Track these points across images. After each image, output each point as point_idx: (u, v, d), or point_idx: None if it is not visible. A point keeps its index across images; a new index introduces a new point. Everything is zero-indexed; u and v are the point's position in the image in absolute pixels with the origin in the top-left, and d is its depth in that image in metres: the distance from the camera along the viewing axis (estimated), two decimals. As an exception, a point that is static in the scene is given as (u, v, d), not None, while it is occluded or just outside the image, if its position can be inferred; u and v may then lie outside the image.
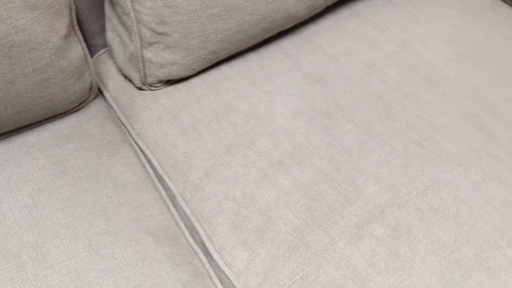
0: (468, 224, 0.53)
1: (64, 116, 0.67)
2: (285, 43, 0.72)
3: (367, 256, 0.51)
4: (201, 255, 0.57)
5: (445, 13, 0.76)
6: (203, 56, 0.65)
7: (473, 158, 0.58)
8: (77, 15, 0.66)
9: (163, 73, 0.66)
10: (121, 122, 0.68)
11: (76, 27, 0.63)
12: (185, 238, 0.58)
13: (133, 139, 0.67)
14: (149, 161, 0.64)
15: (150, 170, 0.64)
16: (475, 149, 0.59)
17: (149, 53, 0.64)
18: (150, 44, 0.64)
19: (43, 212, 0.55)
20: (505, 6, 0.79)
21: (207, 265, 0.56)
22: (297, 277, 0.51)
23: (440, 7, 0.77)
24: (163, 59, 0.64)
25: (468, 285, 0.49)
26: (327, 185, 0.56)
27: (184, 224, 0.60)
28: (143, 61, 0.65)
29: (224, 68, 0.69)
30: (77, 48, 0.63)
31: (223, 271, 0.54)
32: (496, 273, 0.50)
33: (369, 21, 0.74)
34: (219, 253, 0.55)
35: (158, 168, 0.63)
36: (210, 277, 0.55)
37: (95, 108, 0.69)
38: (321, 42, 0.71)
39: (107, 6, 0.68)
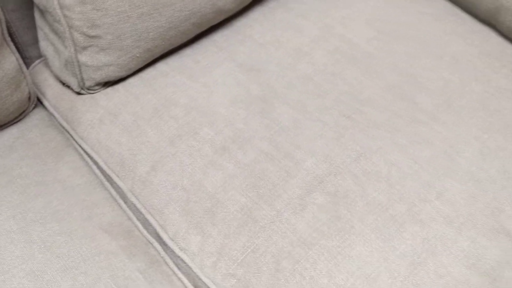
0: (399, 183, 0.57)
1: (5, 128, 0.67)
2: (218, 37, 0.75)
3: (311, 222, 0.55)
4: (156, 244, 0.59)
5: (364, -3, 0.81)
6: (137, 55, 0.67)
7: (399, 124, 0.63)
8: (8, 27, 0.67)
9: (100, 75, 0.67)
10: (63, 128, 0.69)
11: (8, 39, 0.63)
12: (139, 231, 0.60)
13: (77, 143, 0.68)
14: (95, 162, 0.66)
15: (97, 171, 0.65)
16: (400, 116, 0.64)
17: (84, 57, 0.66)
18: (84, 48, 0.65)
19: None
20: (417, -14, 0.85)
21: (163, 253, 0.58)
22: (249, 250, 0.54)
23: (358, -9, 0.82)
24: (98, 62, 0.66)
25: (404, 237, 0.54)
26: (269, 164, 0.60)
27: (137, 218, 0.61)
28: (79, 66, 0.66)
29: (161, 65, 0.71)
30: (11, 59, 0.63)
31: (178, 256, 0.57)
32: (428, 224, 0.55)
33: (293, 10, 0.78)
34: (173, 240, 0.58)
35: (104, 167, 0.64)
36: (166, 263, 0.57)
37: (35, 117, 0.70)
38: (251, 33, 0.75)
39: (37, 16, 0.69)
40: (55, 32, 0.66)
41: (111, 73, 0.68)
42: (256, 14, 0.78)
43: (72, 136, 0.68)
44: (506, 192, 0.57)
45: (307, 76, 0.68)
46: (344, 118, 0.63)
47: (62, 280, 0.52)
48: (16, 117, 0.68)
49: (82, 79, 0.68)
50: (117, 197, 0.63)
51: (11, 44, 0.64)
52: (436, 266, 0.52)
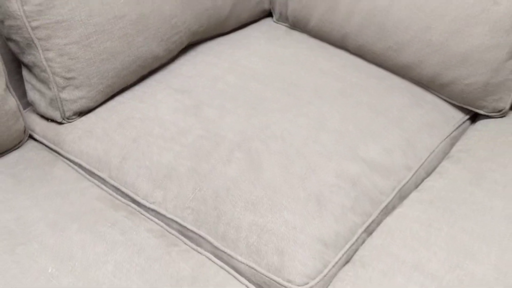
0: (289, 139, 0.87)
1: (8, 153, 0.92)
2: (158, 76, 1.05)
3: (236, 171, 0.82)
4: (133, 205, 0.84)
5: (257, 42, 1.16)
6: (101, 89, 0.95)
7: (287, 108, 0.94)
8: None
9: (76, 106, 0.95)
10: (52, 149, 0.94)
11: (9, 85, 0.90)
12: (119, 200, 0.85)
13: (64, 157, 0.93)
14: (79, 165, 0.91)
15: (81, 171, 0.90)
16: (288, 104, 0.95)
17: (64, 94, 0.93)
18: (64, 87, 0.93)
19: (16, 203, 0.79)
20: (294, 32, 1.21)
21: (138, 209, 0.83)
22: (196, 190, 0.81)
23: (253, 39, 1.17)
24: (74, 96, 0.94)
25: (296, 165, 0.82)
26: (203, 140, 0.88)
27: (115, 193, 0.86)
28: (61, 101, 0.94)
29: (118, 98, 0.99)
30: (12, 100, 0.90)
31: (149, 208, 0.82)
32: (309, 157, 0.84)
33: (209, 55, 1.11)
34: (144, 199, 0.83)
35: (87, 166, 0.90)
36: (142, 214, 0.82)
37: (30, 145, 0.95)
38: (180, 71, 1.06)
39: (25, 73, 0.96)
40: (41, 80, 0.93)
41: (84, 104, 0.95)
42: (182, 60, 1.10)
43: (59, 153, 0.93)
44: (357, 137, 0.88)
45: (223, 90, 0.99)
46: (250, 109, 0.94)
47: (72, 225, 0.75)
48: (16, 145, 0.92)
49: (64, 111, 0.95)
50: (99, 183, 0.88)
51: (11, 89, 0.90)
52: (319, 178, 0.81)
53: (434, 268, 0.69)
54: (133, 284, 0.68)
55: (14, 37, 0.90)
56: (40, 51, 0.90)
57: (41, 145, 0.96)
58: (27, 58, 0.92)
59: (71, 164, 0.91)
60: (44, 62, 0.91)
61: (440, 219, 0.76)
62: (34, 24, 0.87)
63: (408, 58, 1.01)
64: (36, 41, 0.88)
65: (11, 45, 0.93)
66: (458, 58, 0.95)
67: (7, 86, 0.89)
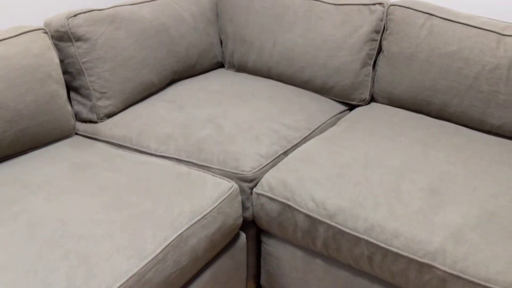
0: (242, 120, 1.48)
1: (65, 139, 1.48)
2: (154, 96, 1.66)
3: (208, 131, 1.42)
4: (148, 155, 1.41)
5: (216, 77, 1.80)
6: (122, 100, 1.56)
7: (241, 103, 1.56)
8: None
9: (106, 111, 1.54)
10: (91, 138, 1.52)
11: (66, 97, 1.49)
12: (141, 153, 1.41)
13: (100, 140, 1.50)
14: (111, 143, 1.48)
15: (111, 146, 1.47)
16: (240, 101, 1.57)
17: (99, 103, 1.53)
18: (99, 99, 1.53)
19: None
20: (238, 73, 1.87)
21: (152, 156, 1.40)
22: (186, 142, 1.39)
23: (213, 77, 1.82)
24: (105, 104, 1.53)
25: (237, 128, 1.43)
26: (186, 121, 1.47)
27: (138, 153, 1.43)
28: (97, 108, 1.53)
29: (132, 107, 1.59)
30: (69, 105, 1.48)
31: (158, 155, 1.39)
32: (252, 125, 1.45)
33: (185, 83, 1.74)
34: (154, 151, 1.40)
35: (116, 142, 1.47)
36: (154, 157, 1.39)
37: (77, 138, 1.51)
38: (169, 92, 1.68)
39: (72, 94, 1.56)
40: (85, 96, 1.53)
41: (111, 109, 1.54)
42: (169, 88, 1.72)
43: (96, 139, 1.51)
44: (280, 115, 1.51)
45: (196, 99, 1.61)
46: (213, 106, 1.55)
47: (112, 164, 1.31)
48: (69, 135, 1.49)
49: (98, 114, 1.53)
50: (123, 150, 1.44)
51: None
52: (257, 129, 1.41)
53: (318, 162, 1.28)
54: (154, 180, 1.22)
55: (69, 69, 1.51)
56: (86, 77, 1.51)
57: (82, 137, 1.52)
58: (76, 82, 1.52)
59: (104, 143, 1.48)
60: (88, 83, 1.51)
61: (325, 144, 1.37)
62: (83, 60, 1.49)
63: (307, 76, 1.68)
64: (84, 70, 1.50)
65: (66, 76, 1.53)
66: (334, 71, 1.63)
67: (67, 99, 1.48)
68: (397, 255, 1.07)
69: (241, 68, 1.86)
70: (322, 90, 1.69)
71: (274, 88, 1.70)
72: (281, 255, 1.31)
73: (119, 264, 0.97)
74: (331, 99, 1.70)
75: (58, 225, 1.04)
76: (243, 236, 1.32)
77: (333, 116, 1.60)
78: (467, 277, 1.00)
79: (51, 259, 0.95)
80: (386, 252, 1.09)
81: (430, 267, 1.04)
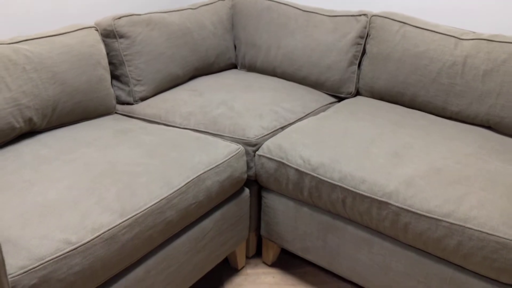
0: (253, 102, 1.85)
1: (107, 115, 1.85)
2: (179, 86, 2.04)
3: (221, 110, 1.78)
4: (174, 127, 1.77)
5: (231, 75, 2.18)
6: (153, 87, 1.93)
7: (247, 90, 1.92)
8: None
9: (141, 95, 1.91)
10: (128, 116, 1.88)
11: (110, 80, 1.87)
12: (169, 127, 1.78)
13: (135, 118, 1.87)
14: (143, 119, 1.84)
15: (144, 121, 1.84)
16: (247, 89, 1.94)
17: (135, 88, 1.90)
18: (135, 85, 1.90)
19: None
20: (249, 73, 2.25)
21: (177, 127, 1.76)
22: (205, 117, 1.75)
23: (228, 74, 2.19)
24: (140, 89, 1.91)
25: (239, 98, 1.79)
26: (205, 102, 1.84)
27: (166, 126, 1.79)
28: (133, 92, 1.90)
29: (162, 93, 1.96)
30: (112, 89, 1.86)
31: (182, 127, 1.75)
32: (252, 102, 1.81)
33: (206, 78, 2.11)
34: (179, 124, 1.76)
35: (148, 118, 1.83)
36: (179, 129, 1.75)
37: (117, 116, 1.88)
38: (191, 84, 2.05)
39: (114, 81, 1.94)
40: (124, 82, 1.90)
41: (145, 94, 1.91)
42: (192, 81, 2.10)
43: (132, 117, 1.87)
44: (280, 102, 1.87)
45: (213, 88, 1.98)
46: (226, 92, 1.91)
47: (151, 132, 1.68)
48: (110, 113, 1.86)
49: (134, 97, 1.91)
50: (153, 124, 1.81)
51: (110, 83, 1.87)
52: (261, 110, 1.77)
53: (307, 133, 1.63)
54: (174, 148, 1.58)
55: (113, 61, 1.89)
56: (126, 67, 1.88)
57: (120, 115, 1.89)
58: (118, 71, 1.90)
59: (139, 120, 1.85)
60: (128, 72, 1.89)
61: (314, 121, 1.72)
62: (125, 53, 1.87)
63: (304, 73, 2.04)
64: (125, 62, 1.88)
65: (110, 66, 1.91)
66: (326, 68, 1.99)
67: (110, 83, 1.86)
68: (363, 196, 1.41)
69: (251, 68, 2.23)
70: (316, 85, 2.05)
71: (277, 83, 2.06)
72: (277, 206, 1.65)
73: (153, 190, 1.31)
74: (323, 92, 2.05)
75: (107, 165, 1.39)
76: (247, 191, 1.66)
77: (324, 105, 1.95)
78: (413, 210, 1.33)
79: (104, 184, 1.30)
80: (355, 195, 1.42)
81: (387, 204, 1.37)
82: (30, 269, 1.03)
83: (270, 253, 1.78)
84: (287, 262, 1.82)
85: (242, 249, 1.75)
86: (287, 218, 1.64)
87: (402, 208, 1.34)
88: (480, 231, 1.24)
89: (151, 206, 1.28)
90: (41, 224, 1.13)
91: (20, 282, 1.02)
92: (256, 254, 1.85)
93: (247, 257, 1.83)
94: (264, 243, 1.78)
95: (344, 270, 1.56)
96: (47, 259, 1.06)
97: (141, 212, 1.25)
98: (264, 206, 1.69)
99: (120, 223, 1.20)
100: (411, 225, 1.34)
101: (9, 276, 1.01)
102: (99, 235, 1.16)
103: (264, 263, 1.81)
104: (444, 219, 1.28)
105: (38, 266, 1.05)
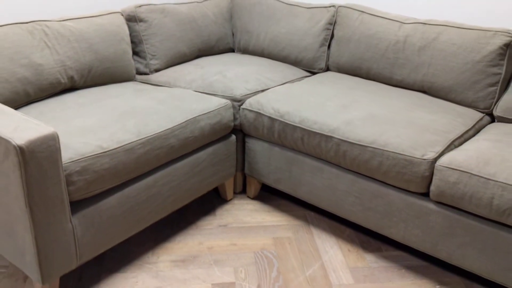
0: (245, 72, 2.36)
1: (128, 81, 2.38)
2: (186, 63, 2.56)
3: (218, 77, 2.30)
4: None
5: (230, 56, 2.70)
6: (165, 62, 2.46)
7: (238, 63, 2.44)
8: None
9: (155, 67, 2.43)
10: (145, 82, 2.41)
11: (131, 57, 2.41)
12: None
13: (151, 84, 2.39)
14: (157, 85, 2.37)
15: (158, 86, 2.36)
16: (236, 62, 2.46)
17: (151, 62, 2.43)
18: (151, 59, 2.43)
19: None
20: (243, 55, 2.77)
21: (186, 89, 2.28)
22: (204, 83, 2.27)
23: (227, 55, 2.71)
24: (155, 63, 2.43)
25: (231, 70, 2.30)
26: (206, 73, 2.36)
27: (181, 88, 2.32)
28: (149, 65, 2.43)
29: (172, 67, 2.49)
30: (132, 61, 2.39)
31: (192, 89, 2.28)
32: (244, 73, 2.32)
33: (209, 58, 2.64)
34: (188, 88, 2.29)
35: (161, 84, 2.36)
36: (190, 90, 2.27)
37: (136, 82, 2.41)
38: (196, 61, 2.57)
39: (134, 56, 2.47)
40: (142, 57, 2.44)
41: (159, 66, 2.44)
42: (197, 59, 2.63)
43: (148, 83, 2.40)
44: (262, 74, 2.38)
45: (213, 64, 2.50)
46: (222, 64, 2.43)
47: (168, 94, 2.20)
48: (131, 80, 2.39)
49: (150, 69, 2.43)
50: (166, 89, 2.33)
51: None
52: (248, 79, 2.28)
53: (280, 92, 2.13)
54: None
55: (134, 40, 2.42)
56: (144, 45, 2.42)
57: (139, 82, 2.42)
58: (137, 48, 2.44)
59: (154, 85, 2.37)
60: (145, 49, 2.42)
61: (288, 86, 2.22)
62: (143, 33, 2.41)
63: (286, 52, 2.55)
64: (143, 40, 2.41)
65: (132, 45, 2.44)
66: (303, 49, 2.50)
67: (132, 56, 2.39)
68: (315, 133, 1.90)
69: (245, 51, 2.75)
70: (295, 62, 2.55)
71: (264, 61, 2.57)
72: (256, 148, 2.15)
73: (161, 123, 1.82)
74: (300, 68, 2.56)
75: (128, 108, 1.91)
76: (234, 137, 2.17)
77: (299, 77, 2.46)
78: (349, 140, 1.82)
79: (126, 117, 1.82)
80: (309, 133, 1.92)
81: (331, 137, 1.86)
82: (75, 160, 1.55)
83: (252, 188, 2.28)
84: (266, 196, 2.32)
85: (230, 184, 2.25)
86: (263, 157, 2.14)
87: (341, 140, 1.84)
88: (394, 152, 1.72)
89: (159, 132, 1.79)
90: (82, 137, 1.65)
91: (69, 167, 1.54)
92: (242, 191, 2.35)
93: (235, 193, 2.33)
94: (247, 181, 2.29)
95: (304, 194, 2.05)
96: (86, 156, 1.58)
97: (151, 135, 1.77)
98: (247, 149, 2.20)
99: (136, 140, 1.72)
100: (347, 152, 1.83)
101: (63, 163, 1.53)
102: (122, 146, 1.67)
103: (248, 197, 2.31)
104: (369, 145, 1.77)
105: (80, 159, 1.56)
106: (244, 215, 2.17)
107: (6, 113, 1.54)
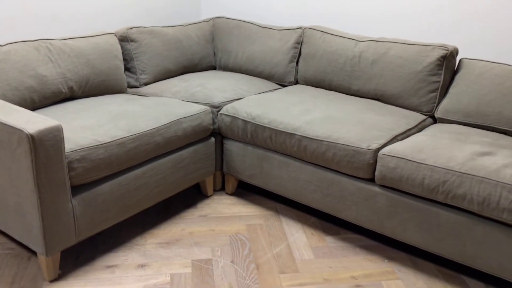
0: (220, 84, 2.70)
1: (120, 93, 2.71)
2: (171, 79, 2.90)
3: (199, 88, 2.64)
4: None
5: (211, 73, 3.04)
6: (153, 77, 2.80)
7: (217, 77, 2.78)
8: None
9: (145, 81, 2.77)
10: (135, 94, 2.74)
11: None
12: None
13: (140, 95, 2.72)
14: (146, 96, 2.70)
15: (146, 99, 2.69)
16: (215, 76, 2.80)
17: (141, 76, 2.76)
18: (140, 74, 2.77)
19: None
20: (224, 72, 3.11)
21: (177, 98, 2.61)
22: (187, 92, 2.60)
23: (208, 73, 3.06)
24: (144, 77, 2.77)
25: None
26: (188, 86, 2.69)
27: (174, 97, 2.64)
28: (139, 79, 2.76)
29: (160, 81, 2.83)
30: (125, 76, 2.73)
31: (181, 99, 2.61)
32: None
33: (193, 75, 2.98)
34: (174, 97, 2.62)
35: (150, 95, 2.69)
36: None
37: (129, 92, 2.74)
38: (181, 76, 2.91)
39: (126, 72, 2.81)
40: (133, 72, 2.77)
41: (147, 80, 2.77)
42: (182, 75, 2.97)
43: (138, 94, 2.73)
44: (239, 86, 2.72)
45: (195, 79, 2.84)
46: (202, 78, 2.77)
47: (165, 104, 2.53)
48: (123, 92, 2.72)
49: (140, 83, 2.77)
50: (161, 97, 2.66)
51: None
52: (224, 89, 2.62)
53: (253, 99, 2.47)
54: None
55: (126, 57, 2.77)
56: (135, 61, 2.76)
57: (130, 94, 2.75)
58: (129, 64, 2.78)
59: (143, 96, 2.70)
60: (136, 65, 2.76)
61: (261, 96, 2.55)
62: (134, 52, 2.75)
63: (260, 68, 2.90)
64: (134, 58, 2.76)
65: (124, 62, 2.78)
66: (275, 64, 2.85)
67: (123, 71, 2.73)
68: (281, 132, 2.22)
69: (225, 68, 3.10)
70: (268, 77, 2.90)
71: (241, 76, 2.92)
72: (232, 148, 2.47)
73: (148, 123, 2.14)
74: (273, 82, 2.91)
75: (120, 112, 2.23)
76: (213, 139, 2.49)
77: (271, 89, 2.79)
78: (309, 136, 2.14)
79: (118, 118, 2.14)
80: (276, 132, 2.24)
81: (294, 135, 2.19)
82: (75, 150, 1.86)
83: (230, 185, 2.59)
84: (242, 193, 2.63)
85: (210, 181, 2.56)
86: (239, 156, 2.45)
87: (302, 136, 2.16)
88: (345, 144, 2.05)
89: (146, 131, 2.11)
90: (81, 133, 1.96)
91: (70, 155, 1.84)
92: (222, 188, 2.66)
93: (215, 190, 2.64)
94: (226, 178, 2.60)
95: (274, 186, 2.36)
96: (84, 147, 1.89)
97: (140, 132, 2.08)
98: (225, 150, 2.51)
99: (127, 136, 2.03)
100: (308, 146, 2.15)
101: (65, 152, 1.84)
102: (114, 140, 1.98)
103: (227, 193, 2.61)
104: (325, 139, 2.10)
105: (79, 149, 1.87)
106: (222, 207, 2.47)
107: (18, 111, 1.85)
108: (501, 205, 1.71)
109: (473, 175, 1.77)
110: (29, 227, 1.84)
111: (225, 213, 2.41)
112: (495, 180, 1.73)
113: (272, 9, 3.19)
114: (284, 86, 2.90)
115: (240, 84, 2.71)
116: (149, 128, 2.12)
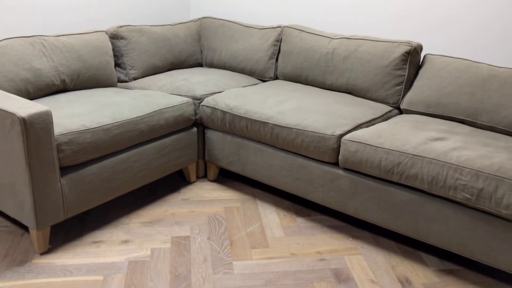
0: (208, 78, 2.89)
1: (110, 87, 2.90)
2: (159, 74, 3.10)
3: (183, 83, 2.83)
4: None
5: (196, 70, 3.23)
6: (142, 72, 2.99)
7: (201, 73, 2.97)
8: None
9: (134, 76, 2.96)
10: (125, 88, 2.94)
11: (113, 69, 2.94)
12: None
13: (129, 88, 2.92)
14: (135, 90, 2.89)
15: (139, 92, 2.89)
16: (200, 72, 2.99)
17: (130, 71, 2.96)
18: (130, 69, 2.96)
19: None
20: (209, 68, 3.31)
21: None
22: (177, 86, 2.80)
23: (195, 69, 3.25)
24: (133, 72, 2.96)
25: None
26: (174, 80, 2.89)
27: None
28: (129, 74, 2.96)
29: (149, 76, 3.02)
30: (115, 72, 2.92)
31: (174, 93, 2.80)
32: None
33: (179, 71, 3.17)
34: (160, 89, 2.81)
35: (139, 89, 2.89)
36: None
37: (116, 87, 2.94)
38: (168, 73, 3.11)
39: (116, 67, 3.01)
40: (123, 68, 2.97)
41: (137, 75, 2.96)
42: (170, 71, 3.16)
43: (126, 88, 2.92)
44: (223, 81, 2.91)
45: (183, 74, 3.03)
46: (188, 74, 2.97)
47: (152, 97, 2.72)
48: (113, 86, 2.91)
49: (129, 77, 2.96)
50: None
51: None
52: (211, 83, 2.81)
53: (233, 92, 2.66)
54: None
55: (116, 54, 2.96)
56: (125, 58, 2.95)
57: (119, 88, 2.95)
58: (119, 61, 2.97)
59: (133, 89, 2.90)
60: (125, 61, 2.96)
61: (241, 89, 2.74)
62: (124, 48, 2.95)
63: (242, 65, 3.09)
64: (124, 54, 2.95)
65: (114, 58, 2.98)
66: (256, 61, 3.04)
67: (114, 66, 2.92)
68: (256, 121, 2.41)
69: (211, 65, 3.29)
70: (250, 73, 3.09)
71: (224, 72, 3.11)
72: (213, 138, 2.66)
73: (133, 112, 2.33)
74: (254, 77, 3.10)
75: (108, 102, 2.42)
76: (195, 129, 2.67)
77: (252, 84, 2.99)
78: (280, 124, 2.33)
79: (105, 108, 2.33)
80: (251, 121, 2.43)
81: (267, 123, 2.37)
82: (64, 134, 2.05)
83: (212, 172, 2.77)
84: (223, 180, 2.81)
85: (193, 169, 2.74)
86: (219, 145, 2.64)
87: (275, 124, 2.35)
88: (313, 131, 2.23)
89: (131, 118, 2.30)
90: (70, 119, 2.15)
91: (59, 138, 2.03)
92: (204, 176, 2.85)
93: (197, 177, 2.82)
94: (208, 166, 2.78)
95: (250, 172, 2.54)
96: (72, 131, 2.08)
97: (125, 120, 2.27)
98: (206, 139, 2.70)
99: (112, 123, 2.22)
100: (279, 134, 2.34)
101: (54, 135, 2.03)
102: (100, 126, 2.17)
103: (208, 180, 2.80)
104: (294, 127, 2.28)
105: (67, 133, 2.06)
106: (203, 192, 2.66)
107: (13, 98, 2.04)
108: (447, 183, 1.89)
109: (423, 156, 1.96)
110: (21, 204, 2.02)
111: (205, 197, 2.60)
112: (442, 161, 1.91)
113: (259, 11, 3.38)
114: (265, 81, 3.08)
115: (222, 79, 2.90)
116: (134, 116, 2.31)
